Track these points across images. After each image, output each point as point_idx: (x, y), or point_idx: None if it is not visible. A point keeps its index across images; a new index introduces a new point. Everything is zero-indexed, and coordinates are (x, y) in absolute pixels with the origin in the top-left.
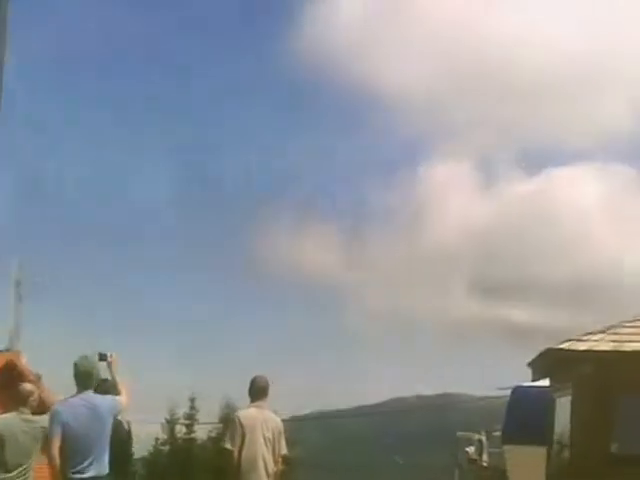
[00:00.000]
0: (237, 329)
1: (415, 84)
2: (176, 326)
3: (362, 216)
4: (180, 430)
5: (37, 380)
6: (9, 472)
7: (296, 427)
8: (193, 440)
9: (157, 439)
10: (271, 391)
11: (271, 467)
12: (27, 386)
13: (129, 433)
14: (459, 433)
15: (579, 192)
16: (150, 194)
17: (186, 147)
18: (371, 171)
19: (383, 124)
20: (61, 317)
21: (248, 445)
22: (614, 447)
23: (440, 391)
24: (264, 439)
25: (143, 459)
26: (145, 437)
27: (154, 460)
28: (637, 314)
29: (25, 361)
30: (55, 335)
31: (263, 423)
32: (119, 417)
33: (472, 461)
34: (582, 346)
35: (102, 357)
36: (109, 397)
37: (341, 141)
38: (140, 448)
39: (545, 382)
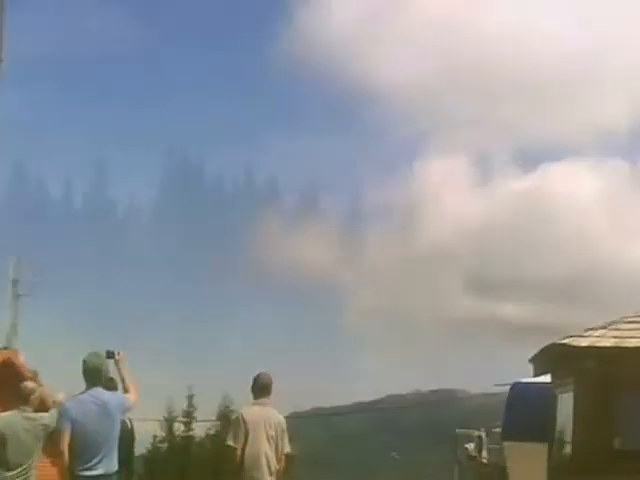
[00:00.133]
0: (236, 327)
1: (411, 82)
2: (174, 324)
3: (358, 214)
4: (178, 428)
5: (34, 377)
6: (11, 470)
7: (294, 424)
8: (191, 438)
9: (155, 437)
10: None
11: (274, 465)
12: (29, 384)
13: (132, 431)
14: (458, 430)
15: (576, 188)
16: (150, 193)
17: (182, 146)
18: (367, 169)
19: (379, 121)
20: (58, 315)
21: (251, 443)
22: (616, 443)
23: (437, 387)
24: (267, 437)
25: (141, 457)
26: (143, 435)
27: (152, 458)
28: (638, 310)
29: (23, 359)
30: (52, 333)
31: (266, 421)
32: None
33: (472, 458)
34: (584, 342)
35: (109, 354)
36: (118, 394)
37: (337, 139)
38: (138, 446)
39: (546, 378)
